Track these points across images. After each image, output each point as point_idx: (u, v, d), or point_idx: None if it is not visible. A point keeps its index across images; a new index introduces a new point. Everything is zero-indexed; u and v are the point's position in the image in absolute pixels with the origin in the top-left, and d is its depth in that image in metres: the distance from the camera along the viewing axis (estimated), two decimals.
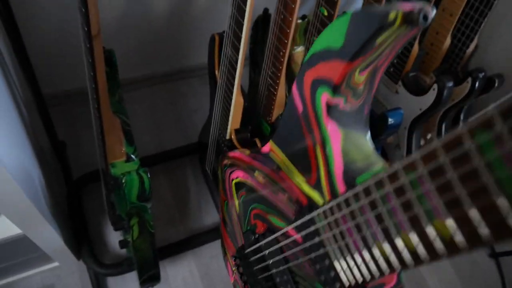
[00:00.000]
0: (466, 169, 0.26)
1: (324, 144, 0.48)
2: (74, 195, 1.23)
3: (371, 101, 0.48)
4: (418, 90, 1.09)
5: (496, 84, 1.06)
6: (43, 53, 1.17)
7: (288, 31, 0.77)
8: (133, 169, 0.80)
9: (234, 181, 0.71)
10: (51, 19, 1.12)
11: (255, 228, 0.64)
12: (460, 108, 1.17)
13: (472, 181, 0.25)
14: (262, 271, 0.63)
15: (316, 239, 0.47)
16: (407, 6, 0.37)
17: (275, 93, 0.90)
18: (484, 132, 0.24)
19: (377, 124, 1.02)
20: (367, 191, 0.37)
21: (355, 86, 0.45)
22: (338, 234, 0.43)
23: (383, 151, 1.28)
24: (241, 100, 0.89)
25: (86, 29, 0.55)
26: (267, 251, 0.60)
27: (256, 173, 0.63)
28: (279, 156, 0.56)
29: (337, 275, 0.46)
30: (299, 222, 0.50)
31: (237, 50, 0.76)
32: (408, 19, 0.36)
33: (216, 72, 0.95)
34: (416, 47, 1.04)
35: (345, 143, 0.48)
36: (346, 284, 0.46)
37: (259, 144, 0.96)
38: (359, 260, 0.42)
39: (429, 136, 1.23)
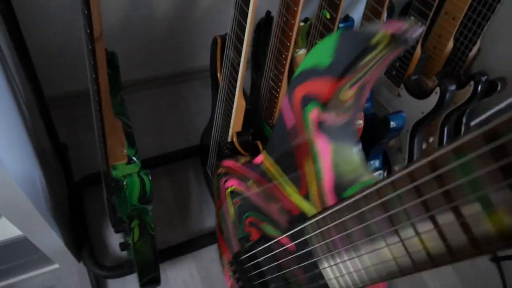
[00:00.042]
0: (447, 186, 0.27)
1: (313, 159, 0.49)
2: (75, 197, 1.23)
3: (359, 115, 0.51)
4: (421, 93, 1.09)
5: (499, 88, 1.05)
6: (45, 55, 1.17)
7: (290, 33, 0.77)
8: (134, 171, 0.80)
9: (228, 189, 0.72)
10: (53, 20, 1.12)
11: (249, 235, 0.65)
12: (462, 112, 1.16)
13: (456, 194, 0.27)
14: (257, 277, 0.63)
15: (307, 248, 0.48)
16: (392, 27, 0.38)
17: (277, 95, 0.90)
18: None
19: (379, 127, 1.02)
20: (354, 204, 0.38)
21: (344, 102, 0.46)
22: (327, 244, 0.44)
23: (385, 154, 1.27)
24: (243, 102, 0.89)
25: (88, 31, 0.55)
26: (261, 258, 0.60)
27: (250, 183, 0.64)
28: (271, 167, 0.57)
29: (326, 283, 0.47)
30: (291, 231, 0.51)
31: (239, 52, 0.75)
32: (393, 40, 0.38)
33: (218, 74, 0.95)
34: (418, 50, 1.04)
35: (336, 156, 0.49)
36: None
37: (260, 147, 0.96)
38: (347, 269, 0.43)
39: (431, 139, 1.23)
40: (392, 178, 0.33)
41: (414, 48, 1.03)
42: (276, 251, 0.56)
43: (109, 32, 1.11)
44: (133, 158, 0.82)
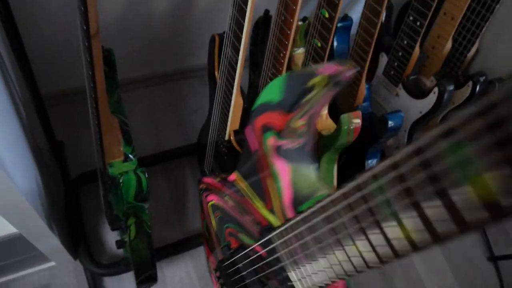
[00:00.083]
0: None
1: (274, 178, 0.57)
2: (72, 195, 1.22)
3: (313, 138, 0.57)
4: (419, 93, 1.09)
5: (497, 88, 1.05)
6: (41, 52, 1.17)
7: (288, 32, 0.76)
8: (131, 169, 0.79)
9: (209, 203, 0.79)
10: (50, 18, 1.12)
11: (230, 244, 0.73)
12: None
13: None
14: (239, 281, 0.70)
15: (275, 255, 0.55)
16: (329, 70, 0.46)
17: None
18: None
19: (378, 127, 1.02)
20: (307, 217, 0.45)
21: (297, 130, 0.54)
22: (290, 251, 0.51)
23: (383, 153, 1.27)
24: (241, 101, 0.88)
25: (85, 27, 0.55)
26: (240, 264, 0.68)
27: (226, 197, 0.71)
28: (242, 184, 0.65)
29: (292, 285, 0.54)
30: (261, 240, 0.58)
31: (237, 51, 0.75)
32: (329, 82, 0.45)
33: (216, 73, 0.95)
34: (417, 50, 1.04)
35: (294, 175, 0.56)
36: None
37: None
38: (306, 272, 0.49)
39: None
40: (332, 197, 0.40)
41: (412, 48, 1.03)
42: (252, 258, 0.64)
43: (106, 30, 1.10)
44: (130, 155, 0.82)
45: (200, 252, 1.25)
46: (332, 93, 0.49)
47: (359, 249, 0.39)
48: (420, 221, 0.31)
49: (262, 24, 0.94)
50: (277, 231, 0.53)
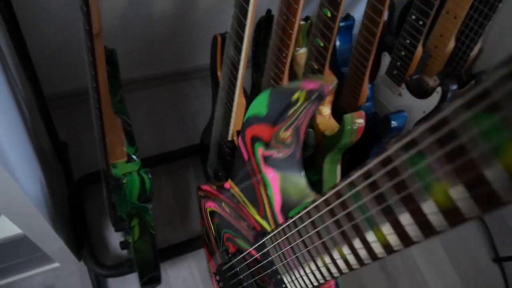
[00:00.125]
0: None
1: (265, 186, 0.60)
2: (75, 196, 1.23)
3: (301, 147, 0.61)
4: (422, 93, 1.09)
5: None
6: (44, 54, 1.17)
7: (291, 32, 0.76)
8: (134, 170, 0.79)
9: (208, 210, 0.82)
10: (53, 20, 1.12)
11: (228, 248, 0.76)
12: None
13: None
14: (237, 284, 0.73)
15: (269, 258, 0.58)
16: (309, 85, 0.50)
17: None
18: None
19: (381, 127, 1.01)
20: (295, 222, 0.48)
21: (284, 140, 0.57)
22: (281, 255, 0.55)
23: None
24: (243, 101, 0.88)
25: (87, 27, 0.55)
26: (238, 268, 0.71)
27: (223, 204, 0.74)
28: (236, 191, 0.68)
29: (287, 286, 0.57)
30: (256, 245, 0.62)
31: (239, 51, 0.75)
32: (308, 97, 0.49)
33: (218, 73, 0.95)
34: (420, 49, 1.04)
35: (283, 183, 0.60)
36: None
37: None
38: (297, 274, 0.52)
39: None
40: (316, 203, 0.43)
41: (415, 47, 1.03)
42: (248, 262, 0.67)
43: (109, 31, 1.11)
44: (133, 156, 0.82)
45: (203, 253, 1.25)
46: (314, 106, 0.54)
47: (343, 252, 0.41)
48: (392, 226, 0.34)
49: (264, 24, 0.94)
50: (269, 235, 0.57)
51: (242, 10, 0.69)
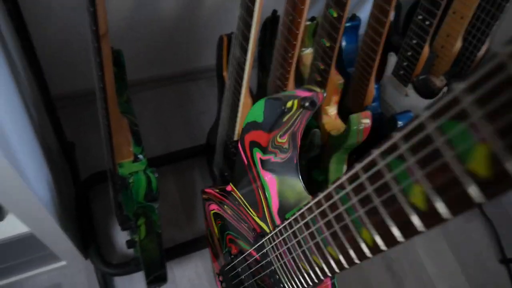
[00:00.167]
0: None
1: (263, 189, 0.62)
2: (82, 195, 1.23)
3: (298, 152, 0.64)
4: (428, 93, 1.08)
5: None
6: (50, 54, 1.18)
7: (297, 32, 0.76)
8: (141, 169, 0.80)
9: (212, 212, 0.84)
10: (58, 20, 1.13)
11: (230, 250, 0.78)
12: None
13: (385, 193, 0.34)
14: (239, 285, 0.76)
15: (267, 259, 0.61)
16: (302, 94, 0.53)
17: None
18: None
19: (387, 127, 1.01)
20: (290, 224, 0.51)
21: (280, 146, 0.60)
22: (279, 255, 0.57)
23: None
24: (249, 101, 0.89)
25: (94, 28, 0.55)
26: (239, 269, 0.73)
27: (225, 206, 0.77)
28: (237, 194, 0.71)
29: (284, 286, 0.59)
30: (255, 246, 0.64)
31: (245, 51, 0.75)
32: (302, 105, 0.52)
33: (224, 73, 0.95)
34: (426, 49, 1.04)
35: (280, 187, 0.62)
36: None
37: None
38: (294, 274, 0.54)
39: None
40: (308, 205, 0.46)
41: (422, 47, 1.03)
42: (248, 262, 0.69)
43: (115, 32, 1.11)
44: (139, 156, 0.82)
45: (208, 253, 1.25)
46: (309, 113, 0.56)
47: (334, 251, 0.43)
48: (376, 227, 0.36)
49: (270, 24, 0.94)
50: (267, 237, 0.59)
51: (248, 11, 0.69)
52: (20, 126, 0.76)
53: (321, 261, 0.46)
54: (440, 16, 0.96)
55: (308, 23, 1.00)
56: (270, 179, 0.62)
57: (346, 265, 0.43)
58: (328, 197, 0.41)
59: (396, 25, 1.18)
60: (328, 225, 0.43)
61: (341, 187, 0.39)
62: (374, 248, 0.37)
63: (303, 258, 0.50)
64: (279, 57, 0.85)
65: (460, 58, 1.12)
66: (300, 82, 1.05)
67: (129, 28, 1.24)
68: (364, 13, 1.02)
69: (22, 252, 1.01)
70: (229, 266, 0.78)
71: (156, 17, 1.25)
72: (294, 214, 0.49)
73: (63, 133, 1.13)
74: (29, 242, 0.92)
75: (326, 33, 0.86)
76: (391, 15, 0.89)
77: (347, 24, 1.07)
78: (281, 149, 0.61)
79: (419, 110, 0.28)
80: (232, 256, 0.76)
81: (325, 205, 0.42)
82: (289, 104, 0.52)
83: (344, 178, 0.38)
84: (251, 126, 0.61)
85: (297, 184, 0.64)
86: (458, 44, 1.06)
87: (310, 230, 0.46)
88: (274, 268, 0.60)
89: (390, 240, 0.35)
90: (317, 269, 0.48)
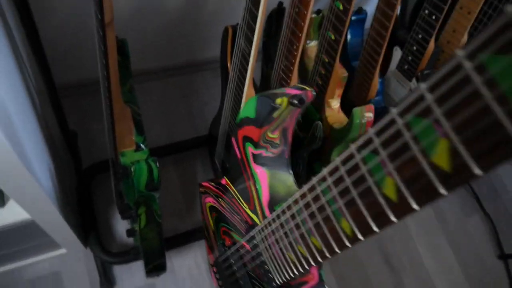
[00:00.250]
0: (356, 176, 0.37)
1: (255, 182, 0.65)
2: (83, 184, 1.23)
3: (289, 148, 0.66)
4: None
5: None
6: (55, 43, 1.17)
7: (302, 24, 0.76)
8: (142, 158, 0.80)
9: (207, 205, 0.87)
10: (64, 9, 1.12)
11: (224, 241, 0.80)
12: None
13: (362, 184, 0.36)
14: (231, 276, 0.78)
15: (258, 249, 0.63)
16: (291, 91, 0.55)
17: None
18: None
19: None
20: (278, 215, 0.53)
21: (272, 141, 0.63)
22: (268, 246, 0.59)
23: None
24: (253, 92, 0.88)
25: (99, 16, 0.55)
26: (232, 260, 0.76)
27: (220, 199, 0.79)
28: (231, 187, 0.73)
29: (273, 276, 0.62)
30: (247, 237, 0.66)
31: (250, 42, 0.75)
32: (291, 102, 0.55)
33: (228, 64, 0.94)
34: (432, 44, 1.03)
35: (271, 180, 0.65)
36: (278, 282, 0.62)
37: None
38: (281, 264, 0.57)
39: None
40: (294, 197, 0.48)
41: (427, 42, 1.02)
42: (240, 253, 0.72)
43: (120, 21, 1.10)
44: (141, 145, 0.82)
45: None
46: (298, 111, 0.59)
47: (317, 241, 0.46)
48: (354, 217, 0.38)
49: (275, 16, 0.93)
50: (257, 228, 0.62)
51: (254, 2, 0.69)
52: (24, 114, 0.76)
53: (306, 250, 0.49)
54: (447, 11, 0.95)
55: (314, 15, 0.99)
56: (261, 173, 0.65)
57: (328, 255, 0.45)
58: (312, 189, 0.44)
59: (402, 19, 1.18)
60: (312, 216, 0.45)
61: (323, 179, 0.41)
62: (353, 238, 0.40)
63: (289, 248, 0.53)
64: (284, 49, 0.84)
65: None
66: (304, 74, 1.05)
67: (135, 18, 1.23)
68: (371, 7, 1.01)
69: (22, 239, 1.01)
70: (223, 258, 0.80)
71: (162, 7, 1.24)
72: (281, 206, 0.52)
73: (66, 122, 1.13)
74: (30, 229, 0.92)
75: (331, 26, 0.85)
76: (398, 9, 0.89)
77: (353, 17, 1.06)
78: (272, 144, 0.63)
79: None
80: (226, 248, 0.78)
81: (309, 197, 0.44)
82: (278, 101, 0.55)
83: (325, 171, 0.40)
84: (244, 121, 0.63)
85: (287, 178, 0.66)
86: (464, 39, 1.05)
87: (295, 221, 0.49)
88: (264, 258, 0.62)
89: (366, 230, 0.37)
90: (302, 258, 0.51)
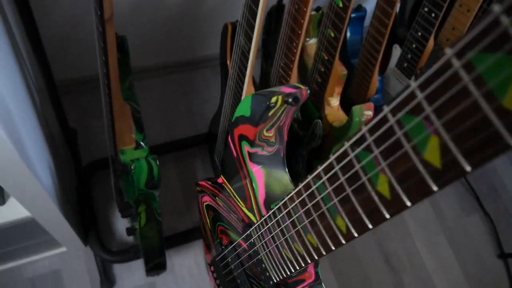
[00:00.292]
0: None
1: (251, 180, 0.65)
2: (83, 182, 1.24)
3: (285, 146, 0.66)
4: None
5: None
6: (54, 39, 1.17)
7: (302, 21, 0.76)
8: (142, 156, 0.80)
9: (204, 204, 0.87)
10: (63, 5, 1.12)
11: (221, 240, 0.81)
12: None
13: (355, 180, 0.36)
14: (229, 274, 0.79)
15: (254, 248, 0.64)
16: (286, 90, 0.56)
17: None
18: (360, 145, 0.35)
19: None
20: (274, 213, 0.54)
21: (267, 139, 0.63)
22: (264, 244, 0.60)
23: None
24: (252, 90, 0.88)
25: (99, 12, 0.55)
26: (229, 258, 0.76)
27: (217, 198, 0.79)
28: (228, 186, 0.73)
29: (270, 275, 0.62)
30: (244, 236, 0.67)
31: (250, 39, 0.75)
32: (285, 101, 0.55)
33: (228, 61, 0.94)
34: (431, 42, 1.03)
35: (267, 178, 0.65)
36: (275, 280, 0.62)
37: None
38: (278, 262, 0.58)
39: None
40: (290, 195, 0.49)
41: (427, 40, 1.02)
42: (237, 252, 0.73)
43: (120, 18, 1.10)
44: (141, 143, 0.82)
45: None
46: (293, 109, 0.59)
47: (313, 239, 0.46)
48: (348, 214, 0.39)
49: (275, 13, 0.93)
50: (253, 226, 0.62)
51: None
52: (24, 112, 0.76)
53: (302, 248, 0.50)
54: (446, 9, 0.95)
55: (313, 13, 0.99)
56: (257, 171, 0.65)
57: (323, 252, 0.46)
58: (307, 186, 0.44)
59: (402, 17, 1.18)
60: (307, 213, 0.46)
61: (318, 177, 0.41)
62: (348, 235, 0.40)
63: (286, 246, 0.53)
64: (284, 46, 0.84)
65: None
66: (303, 72, 1.05)
67: (134, 15, 1.23)
68: (370, 4, 1.01)
69: (23, 237, 1.01)
70: (220, 256, 0.80)
71: (161, 4, 1.24)
72: (278, 204, 0.52)
73: (65, 119, 1.13)
74: (30, 227, 0.92)
75: (331, 23, 0.85)
76: (397, 7, 0.89)
77: (353, 15, 1.06)
78: (268, 142, 0.64)
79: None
80: (223, 247, 0.79)
81: (305, 195, 0.45)
82: (273, 99, 0.55)
83: (320, 168, 0.41)
84: (239, 120, 0.64)
85: (283, 176, 0.67)
86: None
87: (291, 219, 0.49)
88: (261, 257, 0.63)
89: (360, 227, 0.38)
90: (298, 256, 0.51)
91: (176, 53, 1.46)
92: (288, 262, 0.55)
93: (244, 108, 0.62)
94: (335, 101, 1.01)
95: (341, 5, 0.80)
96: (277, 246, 0.56)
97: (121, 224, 1.24)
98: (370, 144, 0.33)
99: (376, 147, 0.33)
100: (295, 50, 0.82)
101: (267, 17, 0.95)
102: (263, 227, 0.59)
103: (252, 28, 0.72)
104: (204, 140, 1.36)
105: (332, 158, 0.39)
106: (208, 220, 0.87)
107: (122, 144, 0.81)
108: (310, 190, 0.44)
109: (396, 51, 1.13)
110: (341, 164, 0.38)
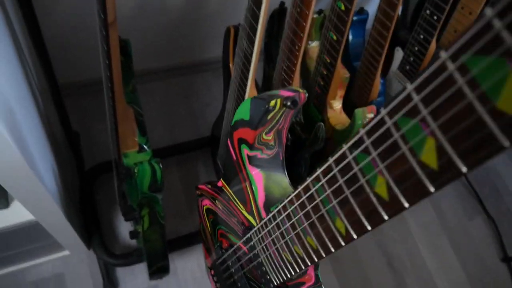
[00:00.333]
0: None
1: (251, 184, 0.66)
2: (86, 185, 1.24)
3: (284, 149, 0.66)
4: None
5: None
6: (58, 43, 1.18)
7: (304, 24, 0.76)
8: (146, 159, 0.80)
9: (204, 207, 0.87)
10: (67, 8, 1.13)
11: (221, 244, 0.81)
12: None
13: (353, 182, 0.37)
14: (229, 278, 0.79)
15: (255, 251, 0.64)
16: (285, 93, 0.56)
17: None
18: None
19: None
20: (275, 216, 0.54)
21: (266, 143, 0.63)
22: (265, 247, 0.60)
23: None
24: (255, 93, 0.88)
25: (102, 16, 0.55)
26: (229, 262, 0.77)
27: (217, 201, 0.80)
28: (227, 189, 0.74)
29: (270, 278, 0.63)
30: (244, 239, 0.68)
31: (252, 42, 0.75)
32: (284, 104, 0.56)
33: (230, 65, 0.95)
34: (433, 45, 1.03)
35: (267, 182, 0.66)
36: (275, 283, 0.62)
37: None
38: (278, 265, 0.58)
39: None
40: (289, 197, 0.49)
41: (429, 42, 1.02)
42: (238, 255, 0.73)
43: (123, 21, 1.11)
44: (144, 146, 0.82)
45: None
46: (292, 112, 0.60)
47: (313, 241, 0.47)
48: (347, 216, 0.39)
49: (277, 16, 0.94)
50: (254, 229, 0.63)
51: (255, 2, 0.69)
52: (27, 114, 0.77)
53: (302, 250, 0.50)
54: (448, 11, 0.95)
55: (315, 16, 0.99)
56: (256, 174, 0.66)
57: (323, 254, 0.46)
58: (306, 189, 0.45)
59: (404, 19, 1.18)
60: (307, 216, 0.46)
61: (317, 179, 0.42)
62: (347, 237, 0.40)
63: (286, 249, 0.54)
64: (286, 49, 0.85)
65: None
66: (306, 75, 1.05)
67: (137, 19, 1.24)
68: (372, 7, 1.01)
69: (26, 240, 1.01)
70: (220, 260, 0.81)
71: (164, 7, 1.25)
72: (277, 207, 0.53)
73: (69, 122, 1.13)
74: (33, 231, 0.93)
75: (333, 26, 0.85)
76: (399, 9, 0.89)
77: (355, 18, 1.07)
78: (267, 145, 0.64)
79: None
80: (223, 250, 0.79)
81: (304, 197, 0.45)
82: (272, 103, 0.56)
83: (319, 171, 0.41)
84: (239, 123, 0.64)
85: (283, 179, 0.67)
86: None
87: (291, 222, 0.50)
88: (261, 260, 0.63)
89: (360, 229, 0.38)
90: (298, 258, 0.52)
91: (179, 56, 1.46)
92: (288, 265, 0.55)
93: (243, 112, 0.62)
94: (337, 104, 1.01)
95: (343, 8, 0.80)
96: (277, 248, 0.56)
97: (124, 228, 1.25)
98: (368, 146, 0.34)
99: (373, 149, 0.33)
100: (297, 53, 0.82)
101: (269, 20, 0.95)
102: (263, 230, 0.59)
103: (254, 31, 0.73)
104: (206, 143, 1.36)
105: (330, 160, 0.39)
106: (208, 224, 0.87)
107: (125, 148, 0.82)
108: (309, 193, 0.44)
109: (398, 53, 1.13)
110: (339, 167, 0.38)
